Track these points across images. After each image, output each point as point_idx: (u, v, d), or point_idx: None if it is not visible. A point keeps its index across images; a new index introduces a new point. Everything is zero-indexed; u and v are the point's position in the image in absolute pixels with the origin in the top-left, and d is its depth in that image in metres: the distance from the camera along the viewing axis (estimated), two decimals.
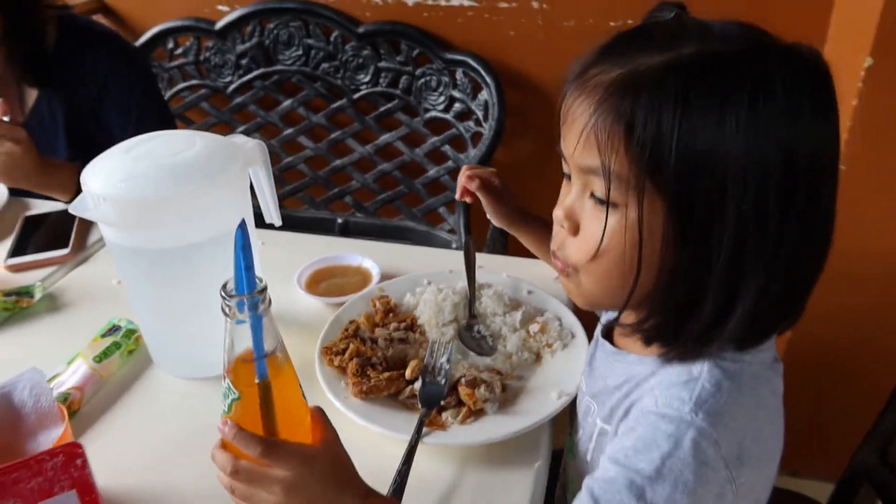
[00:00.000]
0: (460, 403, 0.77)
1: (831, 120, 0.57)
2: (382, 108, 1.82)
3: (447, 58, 1.72)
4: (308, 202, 1.93)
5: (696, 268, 0.57)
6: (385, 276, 1.02)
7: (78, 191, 0.78)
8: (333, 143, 1.88)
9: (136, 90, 1.40)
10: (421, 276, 0.99)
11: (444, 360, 0.81)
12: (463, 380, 0.78)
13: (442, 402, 0.77)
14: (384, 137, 1.84)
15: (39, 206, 1.29)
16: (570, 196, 0.64)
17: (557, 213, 0.65)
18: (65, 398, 0.81)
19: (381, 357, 0.82)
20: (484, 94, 1.70)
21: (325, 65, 1.83)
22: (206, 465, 0.61)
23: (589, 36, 1.60)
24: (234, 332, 0.54)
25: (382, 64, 1.79)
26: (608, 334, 0.76)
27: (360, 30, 1.77)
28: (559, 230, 0.66)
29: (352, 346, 0.82)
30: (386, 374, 0.79)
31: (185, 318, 0.84)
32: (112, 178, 0.75)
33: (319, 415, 0.62)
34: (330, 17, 1.78)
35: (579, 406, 0.78)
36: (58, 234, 1.16)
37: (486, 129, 1.70)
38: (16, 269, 1.09)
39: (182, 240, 0.79)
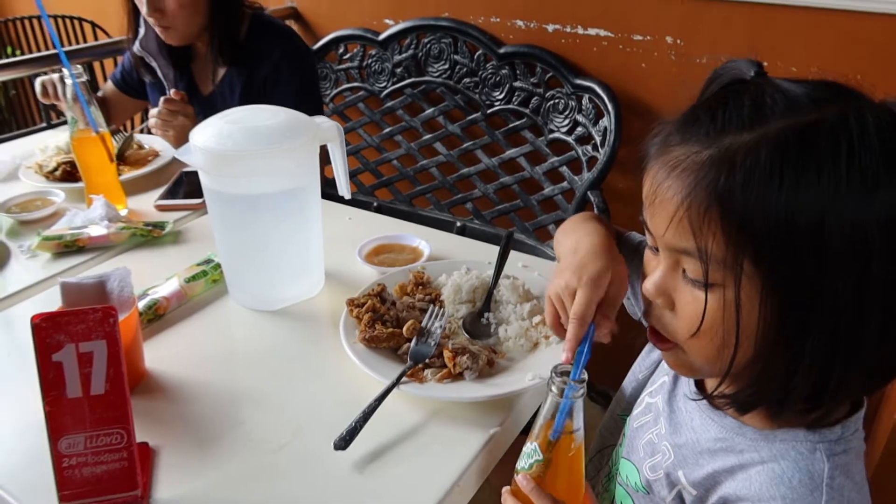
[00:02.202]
0: (444, 366, 0.88)
1: None
2: (511, 125, 1.95)
3: (576, 83, 1.82)
4: (434, 203, 2.10)
5: (797, 339, 0.57)
6: (432, 257, 1.15)
7: None
8: (464, 152, 2.04)
9: (299, 76, 1.67)
10: (462, 262, 1.11)
11: (437, 325, 0.92)
12: (450, 345, 0.89)
13: (427, 361, 0.88)
14: (509, 152, 1.96)
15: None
16: (660, 272, 0.63)
17: (649, 289, 0.65)
18: (154, 303, 1.03)
19: (392, 316, 0.95)
20: (604, 121, 1.77)
21: (466, 80, 1.99)
22: (240, 378, 0.83)
23: None
24: (553, 405, 0.66)
25: (517, 84, 1.92)
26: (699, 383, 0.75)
27: (502, 50, 1.92)
28: (654, 305, 0.66)
29: (370, 302, 0.96)
30: (389, 330, 0.92)
31: (250, 256, 1.03)
32: (206, 134, 0.95)
33: (590, 496, 0.72)
34: (477, 37, 1.94)
35: (638, 430, 0.80)
36: (198, 188, 1.42)
37: (602, 155, 1.77)
38: (161, 209, 1.36)
39: (251, 189, 0.97)
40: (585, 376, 0.68)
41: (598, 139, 1.79)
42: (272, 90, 1.63)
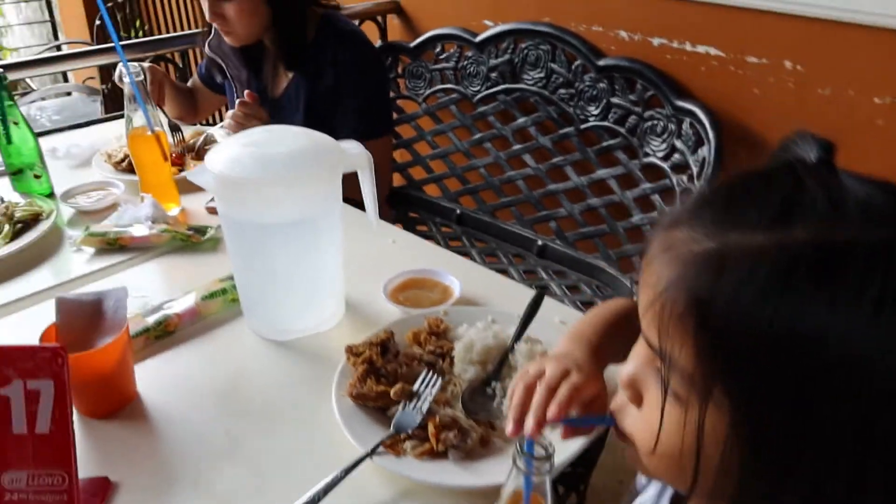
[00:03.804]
0: (428, 440, 0.79)
1: None
2: (605, 143, 1.80)
3: (677, 105, 1.64)
4: (517, 217, 1.99)
5: (772, 489, 0.46)
6: (463, 301, 1.05)
7: None
8: (553, 167, 1.91)
9: (363, 87, 1.60)
10: (489, 311, 1.00)
11: (428, 391, 0.82)
12: (438, 417, 0.79)
13: (410, 431, 0.79)
14: (600, 172, 1.81)
15: None
16: (637, 361, 0.54)
17: (621, 375, 0.56)
18: (165, 319, 1.01)
19: (391, 371, 0.87)
20: (704, 151, 1.58)
21: (562, 91, 1.86)
22: (239, 411, 0.82)
23: (845, 110, 1.42)
24: (516, 479, 0.59)
25: (615, 100, 1.76)
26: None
27: (601, 62, 1.76)
28: (622, 392, 0.57)
29: (367, 352, 0.88)
30: (380, 388, 0.84)
31: (260, 284, 0.98)
32: (221, 156, 0.90)
33: None
34: (576, 46, 1.80)
35: None
36: None
37: (697, 188, 1.58)
38: (211, 211, 1.35)
39: (263, 217, 0.92)
40: (552, 450, 0.57)
41: (695, 170, 1.61)
42: (336, 100, 1.58)
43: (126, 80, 1.20)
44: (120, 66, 1.58)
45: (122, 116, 1.82)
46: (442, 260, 1.20)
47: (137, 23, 3.15)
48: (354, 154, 0.96)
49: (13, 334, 1.03)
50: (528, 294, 1.10)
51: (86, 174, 1.50)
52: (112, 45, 1.30)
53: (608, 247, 1.80)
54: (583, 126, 1.83)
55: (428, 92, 2.12)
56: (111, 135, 1.63)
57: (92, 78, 3.26)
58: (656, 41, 1.70)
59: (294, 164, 0.89)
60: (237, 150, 0.90)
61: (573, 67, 1.82)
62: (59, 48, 4.02)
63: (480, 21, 2.03)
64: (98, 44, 2.82)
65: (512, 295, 1.09)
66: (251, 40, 1.54)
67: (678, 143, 1.65)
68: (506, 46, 1.94)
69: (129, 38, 3.09)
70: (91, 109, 3.15)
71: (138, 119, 1.24)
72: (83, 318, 0.87)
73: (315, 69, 1.57)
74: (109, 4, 2.93)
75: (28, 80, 3.44)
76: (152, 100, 1.24)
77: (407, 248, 1.25)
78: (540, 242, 1.91)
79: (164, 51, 1.96)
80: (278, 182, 0.89)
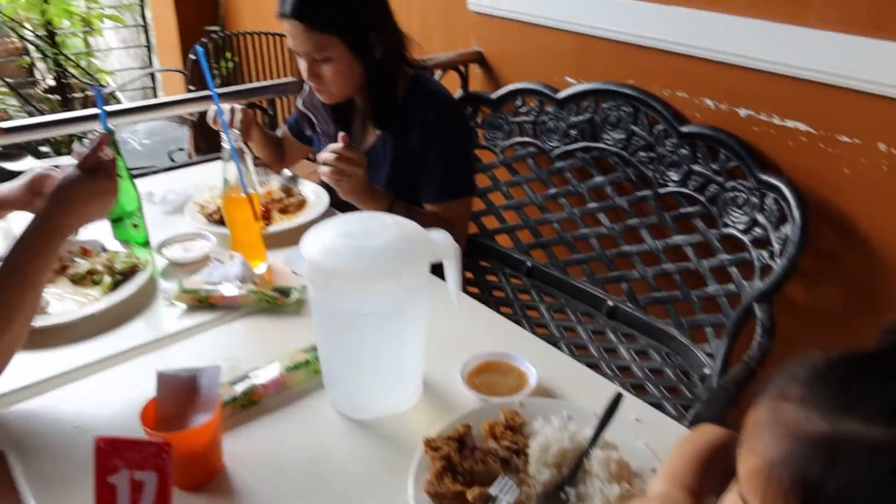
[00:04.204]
0: None
1: None
2: (683, 210, 1.78)
3: (762, 178, 1.61)
4: (588, 275, 1.98)
5: None
6: (539, 391, 1.06)
7: None
8: (628, 229, 1.90)
9: (453, 149, 1.63)
10: (564, 406, 1.01)
11: (506, 498, 0.84)
12: None
13: None
14: (676, 238, 1.80)
15: None
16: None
17: None
18: (252, 388, 1.05)
19: (467, 468, 0.89)
20: (787, 228, 1.55)
21: (641, 153, 1.85)
22: (318, 489, 0.85)
23: None
24: None
25: (696, 167, 1.74)
26: None
27: (685, 129, 1.75)
28: None
29: (446, 448, 0.90)
30: (458, 487, 0.86)
31: (343, 363, 1.01)
32: (315, 244, 0.94)
33: None
34: (660, 111, 1.79)
35: None
36: None
37: (778, 266, 1.56)
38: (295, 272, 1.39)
39: (352, 305, 0.95)
40: None
41: (776, 247, 1.58)
42: (422, 159, 1.60)
43: (225, 146, 1.26)
44: (212, 107, 1.65)
45: (213, 159, 1.92)
46: (517, 340, 1.22)
47: (228, 54, 3.29)
48: (443, 245, 0.99)
49: (109, 389, 1.10)
50: (604, 385, 1.11)
51: (178, 221, 1.57)
52: (209, 93, 1.35)
53: (680, 314, 1.78)
54: (661, 190, 1.82)
55: (506, 143, 2.14)
56: (204, 181, 1.70)
57: None
58: (743, 112, 1.68)
59: (387, 258, 0.92)
60: (332, 240, 0.94)
61: (655, 131, 1.82)
62: (152, 76, 4.23)
63: (562, 77, 2.05)
64: (192, 76, 2.97)
65: (588, 387, 1.09)
66: (344, 99, 1.59)
67: (760, 218, 1.62)
68: (587, 105, 1.95)
69: (219, 68, 3.24)
70: (179, 134, 3.30)
71: (231, 176, 1.30)
72: (180, 394, 0.92)
73: (403, 128, 1.60)
74: (204, 40, 3.06)
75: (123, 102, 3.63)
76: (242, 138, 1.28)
77: (482, 321, 1.27)
78: (610, 303, 1.91)
79: (256, 98, 2.04)
80: (371, 274, 0.92)
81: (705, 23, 1.69)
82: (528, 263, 2.08)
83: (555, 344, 1.84)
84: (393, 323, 0.97)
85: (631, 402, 1.05)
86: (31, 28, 3.92)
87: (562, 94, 1.99)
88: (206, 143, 3.07)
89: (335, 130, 1.66)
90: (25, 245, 1.00)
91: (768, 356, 1.48)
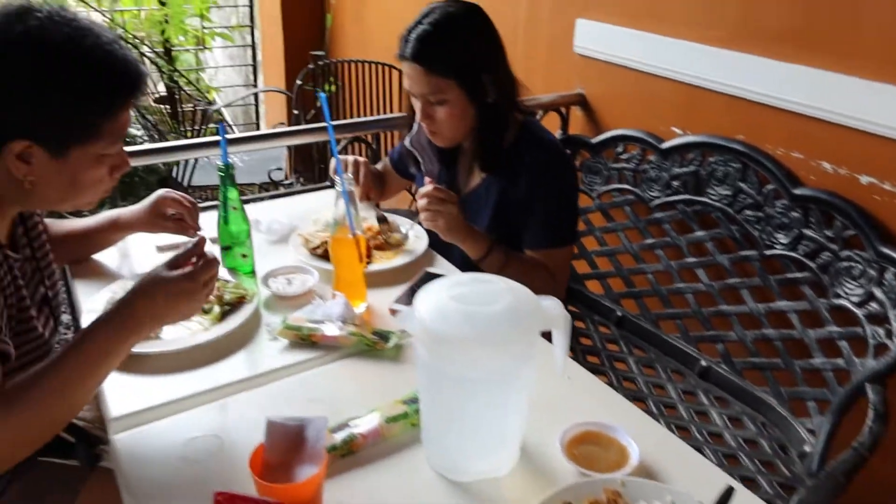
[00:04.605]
0: None
1: None
2: (790, 275, 1.71)
3: (882, 251, 1.53)
4: (682, 331, 1.93)
5: None
6: (640, 469, 1.03)
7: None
8: (728, 288, 1.84)
9: (560, 197, 1.62)
10: (668, 490, 0.97)
11: None
12: None
13: None
14: (780, 304, 1.73)
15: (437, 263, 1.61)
16: None
17: None
18: (352, 438, 1.06)
19: None
20: None
21: (748, 212, 1.79)
22: None
23: None
24: None
25: (807, 232, 1.67)
26: None
27: (798, 191, 1.69)
28: None
29: None
30: None
31: (443, 424, 1.01)
32: (428, 304, 0.95)
33: None
34: (771, 170, 1.73)
35: None
36: None
37: (895, 347, 1.47)
38: (394, 313, 1.41)
39: (460, 370, 0.95)
40: None
41: (895, 326, 1.49)
42: (527, 206, 1.60)
43: (338, 188, 1.29)
44: (332, 162, 1.70)
45: (317, 189, 1.97)
46: (613, 406, 1.19)
47: (332, 78, 3.39)
48: (554, 314, 0.98)
49: (211, 422, 1.13)
50: (709, 470, 1.07)
51: (282, 250, 1.61)
52: (324, 125, 1.39)
53: (780, 383, 1.70)
54: (767, 252, 1.75)
55: (603, 189, 2.11)
56: (308, 212, 1.74)
57: (283, 123, 3.54)
58: (864, 179, 1.60)
59: (499, 325, 0.92)
60: (445, 303, 0.94)
61: (764, 190, 1.75)
62: (256, 96, 4.40)
63: (668, 126, 2.00)
64: (295, 98, 3.07)
65: (691, 469, 1.06)
66: (456, 142, 1.61)
67: (877, 292, 1.54)
68: (693, 157, 1.90)
69: (322, 91, 3.33)
70: (277, 153, 3.41)
71: (341, 216, 1.32)
72: (287, 442, 0.94)
73: (510, 173, 1.60)
74: (311, 66, 3.17)
75: (227, 118, 3.79)
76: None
77: (581, 386, 1.24)
78: (703, 363, 1.84)
79: (362, 132, 2.09)
80: (482, 341, 0.91)
81: (829, 83, 1.62)
82: (619, 313, 2.04)
83: (643, 400, 1.81)
84: (499, 389, 0.97)
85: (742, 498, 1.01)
86: (150, 45, 4.15)
87: (666, 145, 1.95)
88: (302, 164, 3.16)
89: (439, 171, 1.68)
90: (102, 330, 1.01)
91: (880, 443, 1.39)
